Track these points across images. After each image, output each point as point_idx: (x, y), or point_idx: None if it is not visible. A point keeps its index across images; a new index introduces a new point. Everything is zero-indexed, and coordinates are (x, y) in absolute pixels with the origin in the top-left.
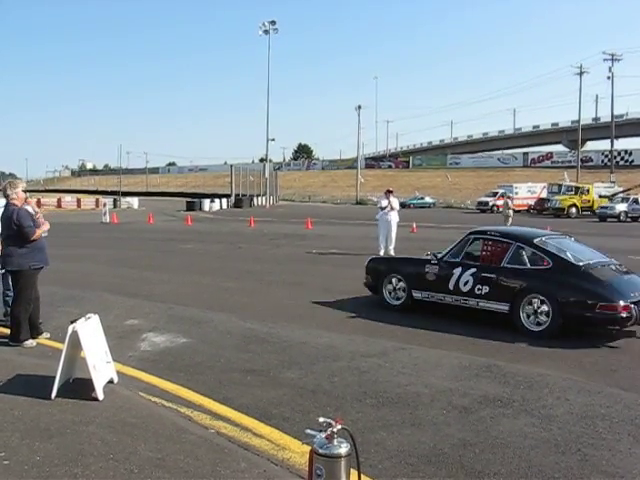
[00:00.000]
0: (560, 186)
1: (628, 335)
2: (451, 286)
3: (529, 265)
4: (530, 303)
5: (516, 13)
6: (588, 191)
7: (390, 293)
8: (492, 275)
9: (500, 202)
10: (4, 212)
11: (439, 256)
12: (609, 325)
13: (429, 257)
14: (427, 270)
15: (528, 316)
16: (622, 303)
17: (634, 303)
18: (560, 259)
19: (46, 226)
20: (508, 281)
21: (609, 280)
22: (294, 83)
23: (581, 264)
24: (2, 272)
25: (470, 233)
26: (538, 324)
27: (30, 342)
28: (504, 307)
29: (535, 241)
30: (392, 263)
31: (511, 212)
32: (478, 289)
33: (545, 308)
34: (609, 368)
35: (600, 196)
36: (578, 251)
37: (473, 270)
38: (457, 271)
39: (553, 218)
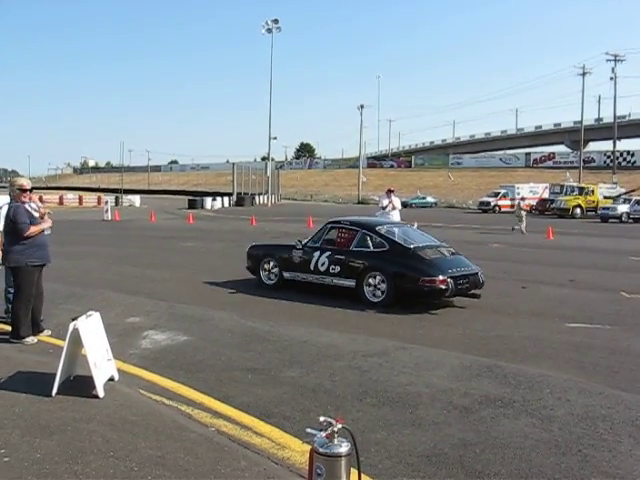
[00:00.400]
0: (562, 186)
1: (446, 305)
2: (312, 267)
3: (372, 248)
4: (371, 279)
5: (519, 13)
6: (593, 192)
7: (265, 274)
8: (342, 257)
9: (502, 202)
10: (7, 209)
11: (303, 242)
12: (431, 296)
13: (295, 243)
14: (294, 254)
15: (370, 290)
16: (440, 277)
17: (452, 278)
18: (394, 243)
19: (47, 224)
20: (355, 261)
21: (432, 259)
22: (296, 82)
23: (411, 246)
24: (1, 268)
25: (327, 223)
26: (377, 296)
27: (31, 339)
28: (352, 283)
29: (377, 228)
30: (267, 249)
31: (523, 213)
32: (332, 269)
33: (382, 283)
34: (610, 369)
35: (605, 197)
36: (413, 236)
37: (328, 253)
38: (316, 254)
39: (557, 218)
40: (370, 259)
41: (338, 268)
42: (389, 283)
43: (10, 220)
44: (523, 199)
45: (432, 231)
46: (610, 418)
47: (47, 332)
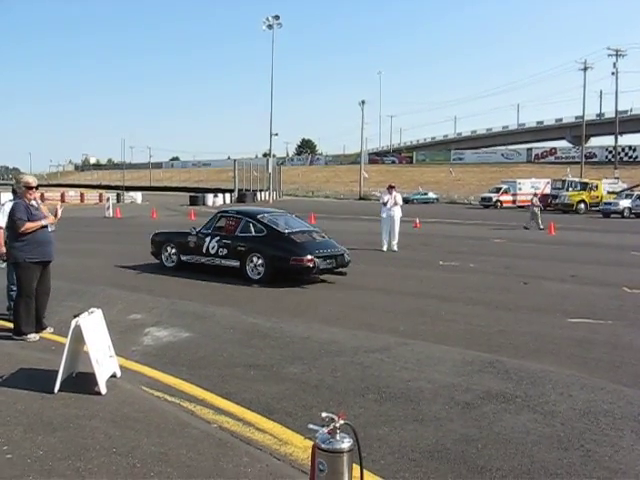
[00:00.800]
0: (564, 182)
1: (314, 281)
2: (204, 250)
3: (253, 233)
4: (252, 259)
5: (520, 8)
6: (597, 187)
7: (166, 258)
8: (229, 241)
9: (504, 197)
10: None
11: (197, 229)
12: (301, 273)
13: (190, 230)
14: (189, 240)
15: (251, 269)
16: (308, 257)
17: (318, 257)
18: (272, 229)
19: (48, 220)
20: (239, 245)
21: (302, 242)
22: (298, 78)
23: (286, 232)
24: (3, 267)
25: (217, 212)
26: (258, 274)
27: (33, 336)
28: (236, 263)
29: (258, 217)
30: (167, 235)
31: (538, 210)
32: (220, 252)
33: (261, 262)
34: (612, 364)
35: (609, 192)
36: (289, 223)
37: (218, 238)
38: (208, 239)
39: (561, 214)
40: (252, 243)
41: (225, 251)
42: (267, 263)
43: (10, 216)
44: (536, 195)
45: (434, 226)
46: (612, 413)
47: (49, 329)
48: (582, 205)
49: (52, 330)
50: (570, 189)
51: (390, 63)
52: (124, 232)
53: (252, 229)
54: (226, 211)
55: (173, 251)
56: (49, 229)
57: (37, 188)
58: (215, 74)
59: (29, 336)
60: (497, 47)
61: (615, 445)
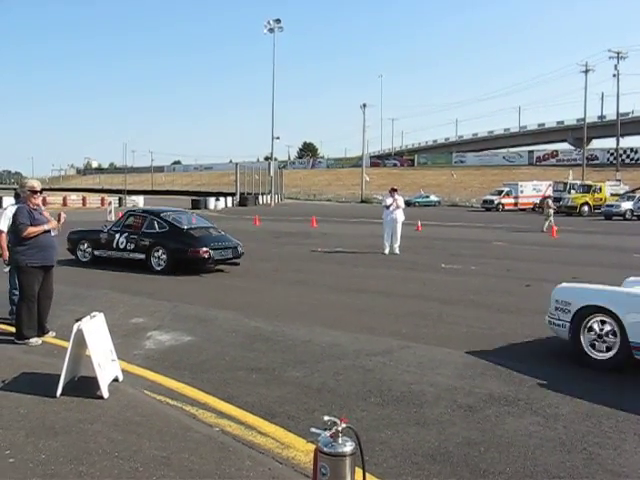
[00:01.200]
0: (565, 184)
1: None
2: (114, 246)
3: (157, 230)
4: (156, 252)
5: (521, 11)
6: (600, 189)
7: (82, 253)
8: (135, 237)
9: (505, 200)
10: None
11: (108, 227)
12: (198, 263)
13: (102, 228)
14: (101, 236)
15: (155, 261)
16: (204, 249)
17: (213, 249)
18: (173, 225)
19: (51, 225)
20: (144, 240)
21: (200, 236)
22: (299, 81)
23: (185, 227)
24: (6, 270)
25: (126, 212)
26: (160, 265)
27: (35, 340)
28: (142, 256)
29: (162, 215)
30: (82, 233)
31: (551, 212)
32: (129, 246)
33: (163, 254)
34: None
35: (612, 194)
36: (189, 220)
37: (126, 235)
38: (117, 236)
39: (565, 216)
40: (155, 238)
41: (132, 245)
42: (168, 255)
43: (13, 220)
44: (550, 197)
45: (436, 229)
46: (615, 416)
47: (52, 333)
48: (586, 207)
49: (54, 334)
50: (573, 191)
51: (391, 66)
52: None
53: (156, 226)
54: (133, 210)
55: (87, 247)
56: (52, 234)
57: (41, 192)
58: (217, 78)
59: (31, 340)
60: (498, 49)
61: (618, 448)
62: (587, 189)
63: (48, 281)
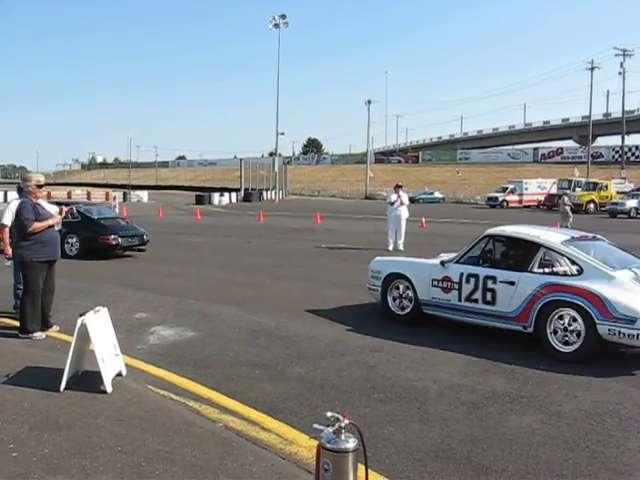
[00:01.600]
0: (570, 182)
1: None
2: None
3: (70, 219)
4: (69, 240)
5: (527, 8)
6: (607, 187)
7: None
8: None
9: (510, 197)
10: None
11: None
12: (107, 249)
13: None
14: None
15: (69, 247)
16: (112, 237)
17: (121, 237)
18: (85, 216)
19: (55, 220)
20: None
21: (109, 225)
22: (304, 77)
23: (96, 217)
24: (7, 264)
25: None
26: (73, 252)
27: (39, 334)
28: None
29: (75, 207)
30: None
31: (568, 209)
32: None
33: (76, 241)
34: (618, 365)
35: (618, 192)
36: (100, 212)
37: None
38: None
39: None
40: (69, 227)
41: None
42: (81, 242)
43: (17, 215)
44: (566, 194)
45: (439, 226)
46: (618, 414)
47: (55, 328)
48: (592, 205)
49: (58, 328)
50: (578, 189)
51: (396, 63)
52: None
53: (69, 216)
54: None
55: None
56: (55, 228)
57: (43, 186)
58: (221, 73)
59: (35, 334)
60: (504, 47)
61: (621, 446)
62: (593, 187)
63: (50, 275)
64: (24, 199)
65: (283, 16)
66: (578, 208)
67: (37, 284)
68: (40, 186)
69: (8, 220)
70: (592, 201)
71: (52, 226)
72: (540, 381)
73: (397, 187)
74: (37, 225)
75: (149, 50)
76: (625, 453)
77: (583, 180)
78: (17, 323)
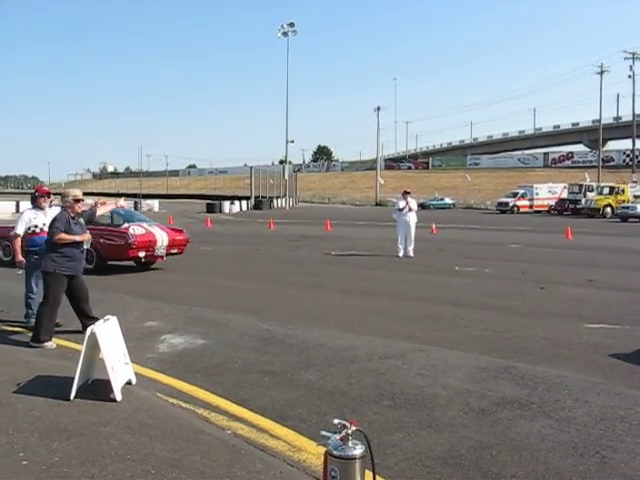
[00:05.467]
0: (581, 186)
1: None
2: None
3: None
4: None
5: (536, 13)
6: (623, 191)
7: None
8: None
9: (521, 203)
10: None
11: None
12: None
13: None
14: None
15: None
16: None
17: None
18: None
19: (84, 237)
20: None
21: None
22: (313, 85)
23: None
24: (19, 273)
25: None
26: None
27: (50, 344)
28: None
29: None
30: None
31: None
32: None
33: None
34: (629, 370)
35: (635, 196)
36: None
37: None
38: None
39: (587, 218)
40: None
41: None
42: None
43: (49, 225)
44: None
45: (450, 232)
46: (629, 419)
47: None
48: (608, 209)
49: (55, 346)
50: (590, 193)
51: (405, 69)
52: None
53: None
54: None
55: None
56: (83, 246)
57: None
58: (231, 82)
59: (46, 344)
60: (513, 52)
61: (632, 452)
62: (610, 191)
63: (79, 283)
64: (63, 211)
65: (292, 24)
66: (595, 212)
67: (58, 295)
68: (77, 200)
69: (21, 230)
70: (609, 205)
71: (80, 243)
72: (550, 386)
73: (405, 193)
74: (63, 236)
75: (159, 60)
76: (636, 458)
77: (594, 184)
78: (28, 332)
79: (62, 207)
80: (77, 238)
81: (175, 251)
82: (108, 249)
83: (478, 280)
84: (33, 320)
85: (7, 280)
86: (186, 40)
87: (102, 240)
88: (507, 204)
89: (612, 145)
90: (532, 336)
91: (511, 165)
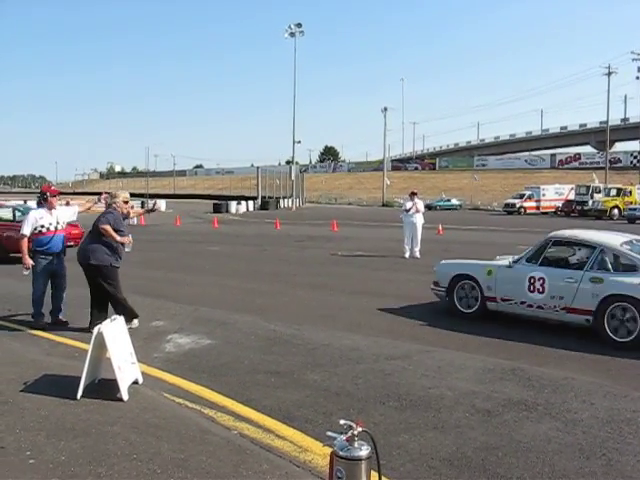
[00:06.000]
0: (588, 187)
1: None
2: None
3: None
4: None
5: (544, 14)
6: (631, 193)
7: None
8: None
9: (527, 204)
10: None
11: None
12: None
13: None
14: None
15: None
16: None
17: None
18: None
19: (124, 239)
20: None
21: None
22: (321, 85)
23: None
24: (26, 273)
25: None
26: None
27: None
28: None
29: None
30: None
31: None
32: None
33: None
34: (635, 372)
35: None
36: None
37: None
38: None
39: (594, 220)
40: None
41: None
42: None
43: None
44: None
45: (457, 233)
46: (635, 422)
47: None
48: (616, 211)
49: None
50: (596, 195)
51: (413, 70)
52: (148, 239)
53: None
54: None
55: None
56: (126, 249)
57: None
58: (239, 82)
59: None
60: (520, 52)
61: (638, 454)
62: (617, 192)
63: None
64: (113, 210)
65: (299, 25)
66: (602, 214)
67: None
68: (126, 202)
69: (27, 230)
70: (616, 207)
71: (121, 245)
72: (556, 388)
73: (412, 194)
74: (108, 228)
75: (167, 61)
76: None
77: (601, 186)
78: (35, 331)
79: (109, 206)
80: (118, 238)
81: (72, 244)
82: (9, 242)
83: None
84: (41, 320)
85: (14, 279)
86: (194, 41)
87: (5, 234)
88: (514, 205)
89: (619, 146)
90: (538, 337)
91: (518, 166)
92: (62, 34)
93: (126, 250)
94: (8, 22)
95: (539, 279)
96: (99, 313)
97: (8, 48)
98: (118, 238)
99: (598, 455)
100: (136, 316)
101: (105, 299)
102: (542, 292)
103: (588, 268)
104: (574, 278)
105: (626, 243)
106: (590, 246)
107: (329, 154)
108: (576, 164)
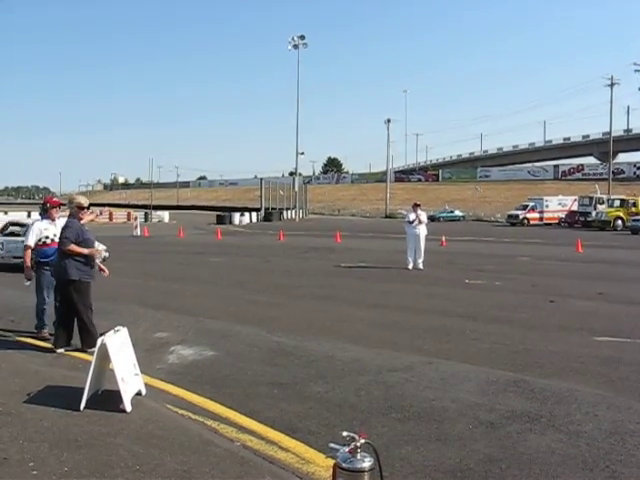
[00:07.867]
0: (591, 198)
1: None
2: None
3: None
4: None
5: (546, 25)
6: (635, 204)
7: None
8: None
9: (531, 215)
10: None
11: None
12: None
13: None
14: None
15: None
16: None
17: None
18: None
19: (92, 252)
20: None
21: None
22: (324, 97)
23: None
24: (27, 284)
25: None
26: None
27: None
28: None
29: None
30: None
31: None
32: None
33: None
34: (639, 384)
35: None
36: None
37: None
38: None
39: (598, 230)
40: None
41: None
42: None
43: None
44: None
45: (460, 245)
46: (639, 433)
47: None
48: (619, 222)
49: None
50: (600, 206)
51: (416, 82)
52: (152, 251)
53: None
54: None
55: None
56: (97, 260)
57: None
58: (243, 93)
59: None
60: (523, 64)
61: None
62: (620, 203)
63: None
64: (73, 219)
65: (302, 37)
66: (606, 225)
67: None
68: (81, 208)
69: (32, 241)
70: (620, 218)
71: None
72: (559, 400)
73: (415, 206)
74: (73, 248)
75: (170, 74)
76: None
77: (604, 197)
78: (39, 343)
79: (69, 214)
80: (85, 251)
81: None
82: None
83: (488, 293)
84: (44, 331)
85: (18, 290)
86: (199, 52)
87: None
88: (517, 216)
89: (623, 157)
90: (542, 349)
91: (521, 177)
92: (63, 37)
93: (97, 261)
94: (8, 23)
95: None
96: (64, 332)
97: (9, 47)
98: (86, 251)
99: (602, 467)
100: (95, 345)
101: (72, 317)
102: None
103: None
104: None
105: None
106: None
107: (332, 165)
108: (579, 175)
